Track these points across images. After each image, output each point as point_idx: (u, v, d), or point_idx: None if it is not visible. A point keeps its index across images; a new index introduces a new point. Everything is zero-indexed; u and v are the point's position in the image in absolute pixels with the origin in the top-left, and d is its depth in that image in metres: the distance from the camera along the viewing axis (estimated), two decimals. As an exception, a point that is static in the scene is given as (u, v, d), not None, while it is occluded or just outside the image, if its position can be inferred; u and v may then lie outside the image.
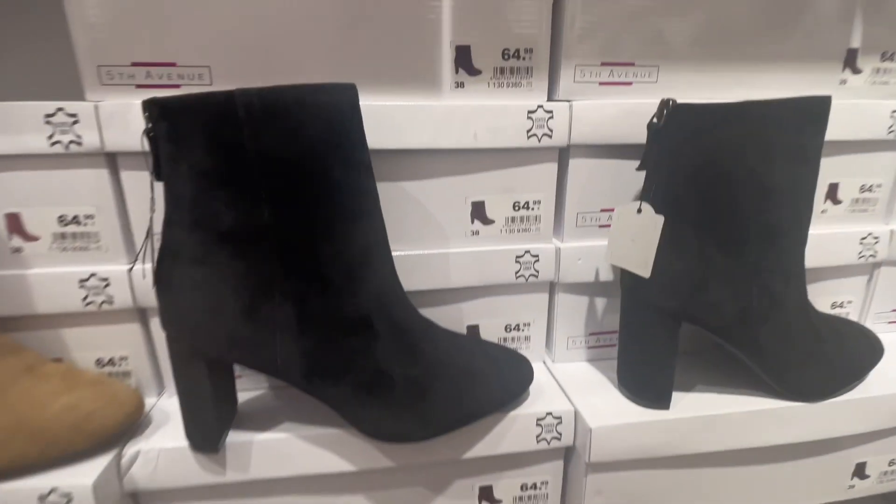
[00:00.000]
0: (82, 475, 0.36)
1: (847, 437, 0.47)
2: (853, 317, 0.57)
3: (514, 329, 0.50)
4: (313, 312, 0.35)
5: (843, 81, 0.49)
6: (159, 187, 0.36)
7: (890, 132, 0.49)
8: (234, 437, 0.40)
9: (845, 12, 0.46)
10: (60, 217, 0.40)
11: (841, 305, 0.56)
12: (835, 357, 0.45)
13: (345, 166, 0.35)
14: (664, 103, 0.39)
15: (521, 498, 0.47)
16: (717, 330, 0.41)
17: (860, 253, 0.53)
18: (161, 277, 0.35)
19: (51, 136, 0.38)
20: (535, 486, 0.47)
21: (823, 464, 0.49)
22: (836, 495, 0.51)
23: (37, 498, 0.36)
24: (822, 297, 0.55)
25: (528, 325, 0.50)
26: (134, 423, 0.40)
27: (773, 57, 0.46)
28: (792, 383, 0.43)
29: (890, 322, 0.58)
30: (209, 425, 0.38)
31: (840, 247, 0.52)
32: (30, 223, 0.40)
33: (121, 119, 0.38)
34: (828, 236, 0.51)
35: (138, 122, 0.38)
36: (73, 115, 0.38)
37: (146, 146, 0.34)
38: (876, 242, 0.53)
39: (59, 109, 0.37)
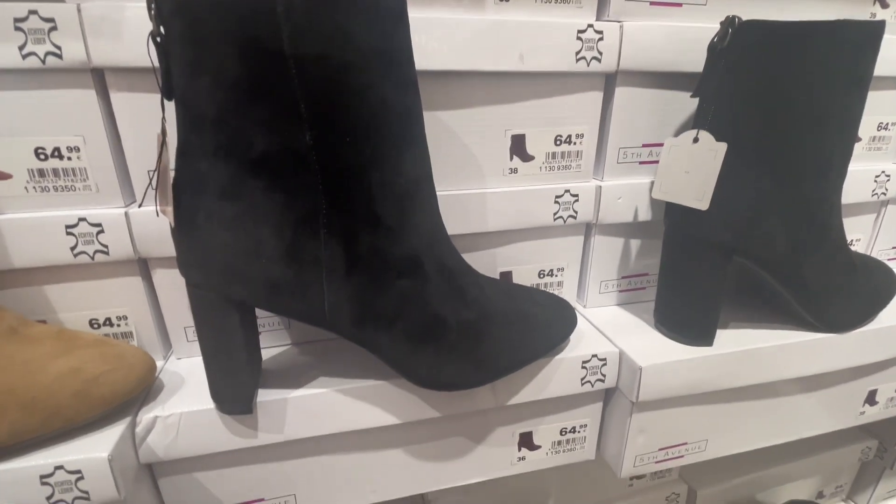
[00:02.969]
0: (94, 448, 0.31)
1: (865, 365, 0.49)
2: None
3: (548, 275, 0.48)
4: (362, 251, 0.31)
5: (873, 14, 0.48)
6: (170, 108, 0.30)
7: (911, 68, 0.49)
8: (264, 396, 0.36)
9: (886, -63, 0.45)
10: (38, 149, 0.33)
11: (850, 243, 0.57)
12: (864, 290, 0.45)
13: (394, 82, 0.30)
14: (729, 21, 0.36)
15: (559, 442, 0.46)
16: (766, 263, 0.40)
17: (873, 191, 0.54)
18: (181, 216, 0.30)
19: (23, 47, 0.31)
20: (574, 430, 0.46)
21: (842, 392, 0.51)
22: (848, 422, 0.53)
23: (38, 478, 0.30)
24: (834, 236, 0.56)
25: (562, 269, 0.48)
26: (146, 387, 0.35)
27: (814, -17, 0.45)
28: (828, 316, 0.44)
29: (890, 259, 0.60)
30: (241, 384, 0.34)
31: (857, 184, 0.52)
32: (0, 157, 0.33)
33: (111, 25, 0.31)
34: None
35: (133, 30, 0.31)
36: (49, 20, 0.30)
37: (153, 54, 0.28)
38: (888, 180, 0.54)
39: (32, 12, 0.30)
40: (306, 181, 0.29)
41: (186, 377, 0.38)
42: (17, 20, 0.30)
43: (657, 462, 0.46)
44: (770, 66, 0.36)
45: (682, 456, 0.47)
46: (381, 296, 0.32)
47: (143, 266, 0.38)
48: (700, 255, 0.41)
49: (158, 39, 0.28)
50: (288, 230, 0.30)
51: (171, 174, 0.30)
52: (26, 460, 0.30)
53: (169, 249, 0.35)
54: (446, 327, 0.34)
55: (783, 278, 0.41)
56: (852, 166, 0.51)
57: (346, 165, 0.30)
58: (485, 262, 0.45)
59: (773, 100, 0.37)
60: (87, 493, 0.31)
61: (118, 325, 0.39)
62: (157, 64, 0.28)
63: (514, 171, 0.43)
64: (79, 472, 0.31)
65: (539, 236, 0.46)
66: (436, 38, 0.36)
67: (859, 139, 0.52)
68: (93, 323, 0.38)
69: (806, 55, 0.36)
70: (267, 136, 0.28)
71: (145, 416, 0.34)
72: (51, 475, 0.30)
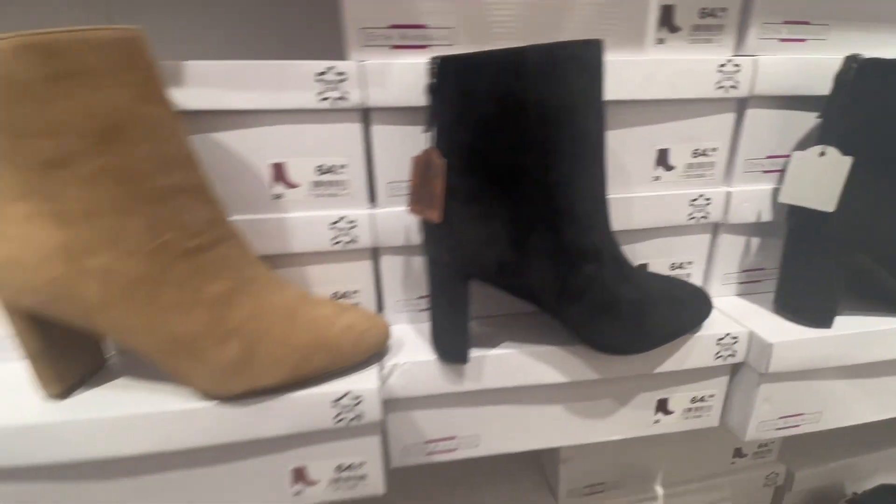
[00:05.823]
0: (366, 382, 0.43)
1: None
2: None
3: (678, 268, 0.56)
4: (565, 243, 0.41)
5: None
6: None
7: None
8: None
9: None
10: (319, 166, 0.46)
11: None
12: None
13: (593, 116, 0.40)
14: (851, 58, 0.44)
15: (690, 409, 0.54)
16: (886, 260, 0.47)
17: None
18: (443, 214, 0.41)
19: (321, 93, 0.43)
20: (703, 399, 0.54)
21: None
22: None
23: (329, 402, 0.43)
24: None
25: (691, 263, 0.56)
26: (386, 343, 0.47)
27: (926, 14, 0.51)
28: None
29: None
30: (464, 339, 0.45)
31: None
32: (293, 172, 0.46)
33: (381, 77, 0.43)
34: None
35: (394, 80, 0.43)
36: (341, 74, 0.43)
37: (428, 100, 0.40)
38: None
39: (330, 68, 0.43)
40: (527, 191, 0.40)
41: (404, 339, 0.50)
42: (317, 74, 0.43)
43: (777, 430, 0.54)
44: (891, 100, 0.43)
45: (798, 426, 0.55)
46: (574, 277, 0.42)
47: (374, 253, 0.50)
48: (823, 251, 0.48)
49: (432, 89, 0.39)
50: (513, 227, 0.41)
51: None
52: (321, 388, 0.43)
53: (394, 240, 0.47)
54: (619, 303, 0.44)
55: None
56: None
57: (555, 180, 0.40)
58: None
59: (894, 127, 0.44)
60: (361, 414, 0.43)
61: (351, 298, 0.51)
62: (426, 105, 0.40)
63: (657, 178, 0.52)
64: (359, 397, 0.42)
65: (672, 234, 0.55)
66: (608, 76, 0.46)
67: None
68: (335, 294, 0.50)
69: (925, 84, 0.43)
70: (503, 158, 0.39)
71: (388, 362, 0.46)
72: (340, 399, 0.42)
